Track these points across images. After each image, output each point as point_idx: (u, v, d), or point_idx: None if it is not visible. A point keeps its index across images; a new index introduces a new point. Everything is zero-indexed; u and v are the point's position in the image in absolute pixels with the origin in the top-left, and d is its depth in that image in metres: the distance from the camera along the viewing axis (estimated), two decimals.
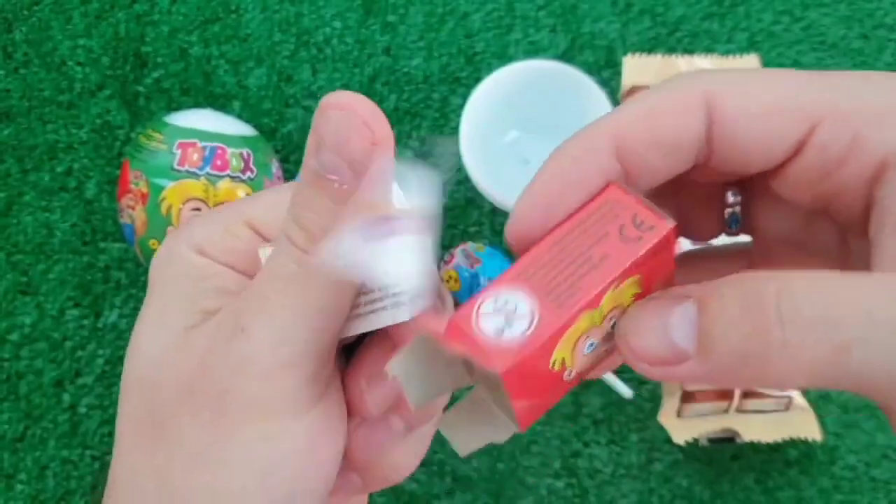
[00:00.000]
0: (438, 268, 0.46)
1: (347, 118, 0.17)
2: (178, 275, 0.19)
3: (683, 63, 0.48)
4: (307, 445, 0.17)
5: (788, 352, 0.14)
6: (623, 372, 0.46)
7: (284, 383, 0.17)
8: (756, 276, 0.15)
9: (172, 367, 0.18)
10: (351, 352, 0.20)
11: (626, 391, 0.46)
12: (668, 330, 0.15)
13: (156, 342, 0.18)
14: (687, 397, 0.44)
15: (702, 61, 0.48)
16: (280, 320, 0.17)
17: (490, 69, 0.46)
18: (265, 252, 0.18)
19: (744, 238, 0.20)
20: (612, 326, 0.17)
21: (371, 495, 0.48)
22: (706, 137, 0.17)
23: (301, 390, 0.17)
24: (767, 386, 0.15)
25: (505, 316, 0.15)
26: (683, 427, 0.44)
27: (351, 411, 0.19)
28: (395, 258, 0.17)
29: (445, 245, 0.48)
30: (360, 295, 0.18)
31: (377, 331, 0.19)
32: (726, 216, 0.20)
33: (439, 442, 0.46)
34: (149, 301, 0.19)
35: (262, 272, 0.18)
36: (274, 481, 0.17)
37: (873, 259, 0.15)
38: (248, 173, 0.43)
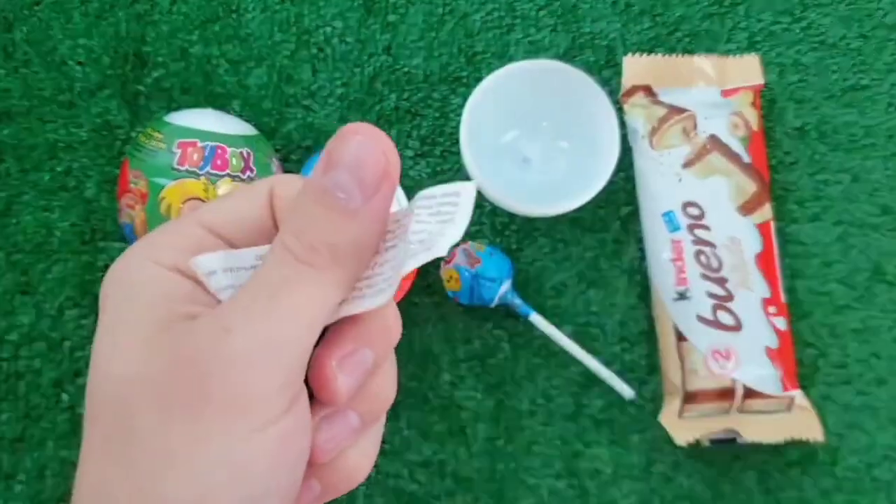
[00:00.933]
0: (439, 267, 0.46)
1: (368, 144, 0.18)
2: (131, 286, 0.19)
3: (683, 63, 0.48)
4: (280, 447, 0.18)
5: None
6: (625, 373, 0.46)
7: (267, 385, 0.17)
8: None
9: (141, 376, 0.17)
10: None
11: (627, 392, 0.46)
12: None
13: (118, 356, 0.18)
14: (688, 398, 0.44)
15: (702, 61, 0.48)
16: (267, 323, 0.17)
17: (490, 69, 0.46)
18: (201, 263, 0.19)
19: None
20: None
21: (371, 496, 0.48)
22: None
23: (280, 394, 0.18)
24: None
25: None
26: (685, 428, 0.44)
27: (320, 397, 0.20)
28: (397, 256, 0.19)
29: None
30: None
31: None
32: None
33: (439, 443, 0.46)
34: (102, 319, 0.19)
35: (253, 278, 0.18)
36: (248, 483, 0.17)
37: None
38: (248, 172, 0.43)
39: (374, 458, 0.22)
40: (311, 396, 0.20)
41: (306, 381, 0.19)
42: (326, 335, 0.20)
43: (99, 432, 0.18)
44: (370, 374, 0.20)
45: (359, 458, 0.21)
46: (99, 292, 0.19)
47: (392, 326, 0.20)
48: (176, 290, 0.19)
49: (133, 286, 0.19)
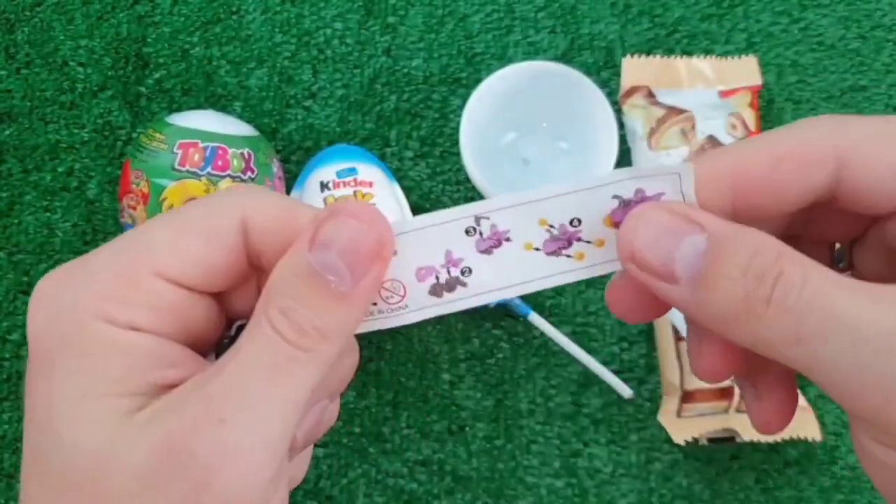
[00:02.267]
0: None
1: (363, 231, 0.17)
2: (87, 352, 0.17)
3: (682, 64, 0.48)
4: None
5: (760, 328, 0.16)
6: (623, 372, 0.47)
7: (263, 478, 0.17)
8: (772, 248, 0.16)
9: (123, 457, 0.17)
10: None
11: (625, 391, 0.46)
12: (673, 252, 0.17)
13: (91, 428, 0.17)
14: (687, 397, 0.44)
15: (700, 62, 0.48)
16: (265, 415, 0.17)
17: (490, 70, 0.46)
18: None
19: None
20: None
21: (370, 495, 0.48)
22: (829, 190, 0.17)
23: (272, 484, 0.17)
24: (732, 340, 0.17)
25: None
26: (683, 427, 0.44)
27: None
28: None
29: None
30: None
31: None
32: (836, 253, 0.21)
33: (438, 442, 0.46)
34: (54, 379, 0.17)
35: (238, 359, 0.17)
36: None
37: None
38: (250, 173, 0.43)
39: (307, 467, 0.22)
40: None
41: None
42: None
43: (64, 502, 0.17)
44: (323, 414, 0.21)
45: (294, 472, 0.21)
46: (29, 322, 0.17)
47: (350, 375, 0.21)
48: (140, 356, 0.17)
49: (89, 353, 0.17)
